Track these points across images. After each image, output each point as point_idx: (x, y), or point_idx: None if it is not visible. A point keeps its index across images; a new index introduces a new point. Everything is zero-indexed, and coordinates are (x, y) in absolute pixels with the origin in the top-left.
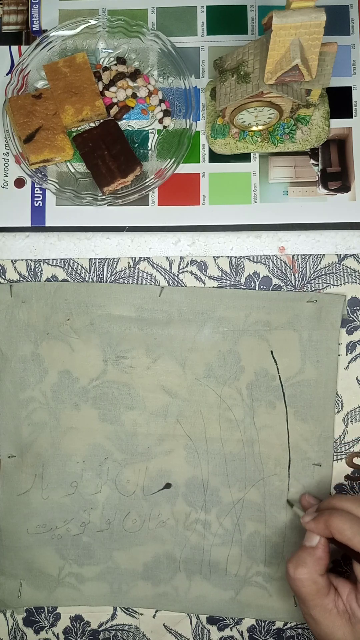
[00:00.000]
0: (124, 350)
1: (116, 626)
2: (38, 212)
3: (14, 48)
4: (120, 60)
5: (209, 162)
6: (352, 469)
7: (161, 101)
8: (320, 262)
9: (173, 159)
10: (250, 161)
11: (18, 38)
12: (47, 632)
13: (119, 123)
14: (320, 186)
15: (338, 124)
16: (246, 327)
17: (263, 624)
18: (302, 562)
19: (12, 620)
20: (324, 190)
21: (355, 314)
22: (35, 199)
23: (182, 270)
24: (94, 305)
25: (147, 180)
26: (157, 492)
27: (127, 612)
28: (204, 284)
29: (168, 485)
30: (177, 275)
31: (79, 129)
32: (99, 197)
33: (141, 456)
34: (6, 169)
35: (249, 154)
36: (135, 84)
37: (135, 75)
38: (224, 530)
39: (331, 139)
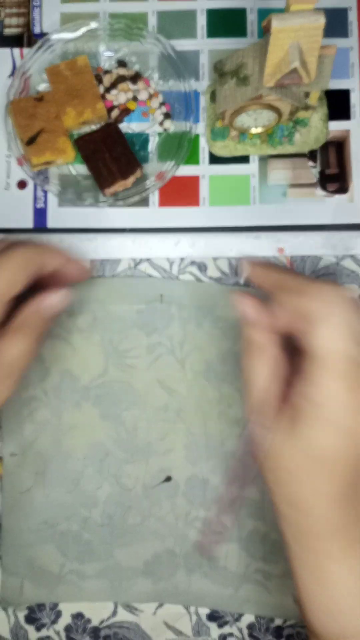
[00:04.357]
0: (125, 349)
1: (117, 623)
2: (40, 214)
3: (16, 51)
4: (121, 63)
5: (209, 164)
6: None
7: (161, 104)
8: (318, 263)
9: (173, 161)
10: (249, 163)
11: (20, 41)
12: (48, 630)
13: (120, 126)
14: (318, 188)
15: (336, 126)
16: None
17: (262, 621)
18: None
19: (13, 617)
20: (323, 192)
21: None
22: (38, 201)
23: (182, 271)
24: (96, 301)
25: (147, 182)
26: (158, 486)
27: (127, 609)
28: None
29: (168, 479)
30: (177, 276)
31: (80, 131)
32: (100, 199)
33: (142, 454)
34: (9, 171)
35: (248, 156)
36: (135, 87)
37: (135, 78)
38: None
39: (329, 141)
